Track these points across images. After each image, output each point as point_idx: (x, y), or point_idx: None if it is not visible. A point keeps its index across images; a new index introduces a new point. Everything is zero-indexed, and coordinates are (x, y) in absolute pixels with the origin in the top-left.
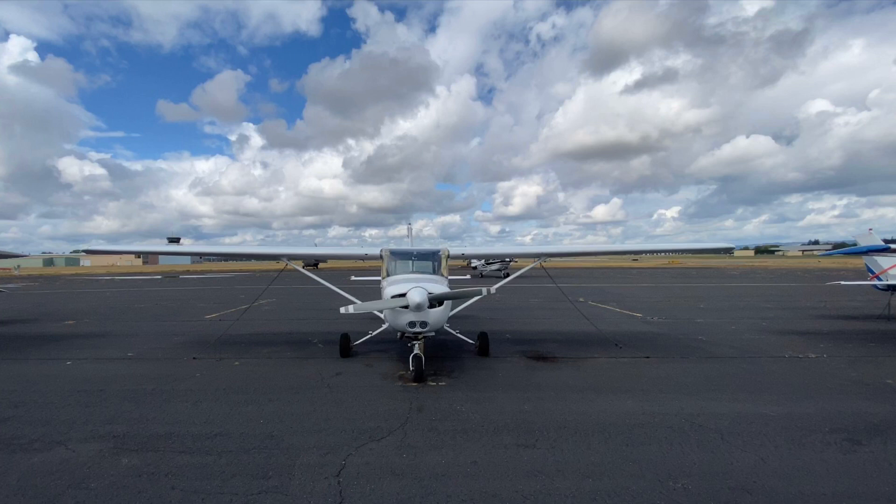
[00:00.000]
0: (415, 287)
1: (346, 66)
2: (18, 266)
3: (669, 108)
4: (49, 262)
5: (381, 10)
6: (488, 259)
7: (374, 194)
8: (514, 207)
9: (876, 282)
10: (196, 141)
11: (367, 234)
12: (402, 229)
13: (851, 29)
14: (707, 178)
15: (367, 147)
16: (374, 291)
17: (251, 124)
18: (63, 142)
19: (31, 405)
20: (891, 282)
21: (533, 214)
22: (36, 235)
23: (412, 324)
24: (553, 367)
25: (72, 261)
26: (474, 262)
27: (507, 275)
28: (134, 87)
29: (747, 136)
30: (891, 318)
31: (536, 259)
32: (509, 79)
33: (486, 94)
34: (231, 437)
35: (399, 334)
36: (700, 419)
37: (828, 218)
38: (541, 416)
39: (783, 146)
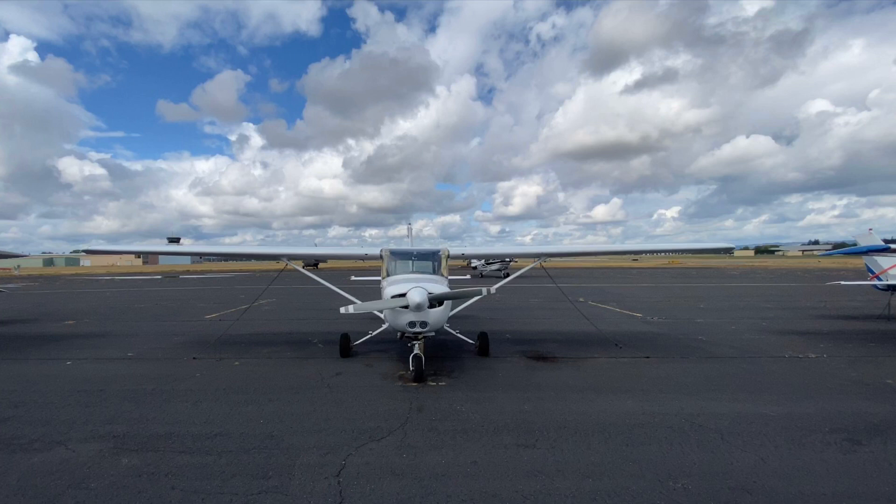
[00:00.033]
0: (415, 287)
1: (346, 66)
2: (18, 266)
3: (669, 108)
4: (49, 262)
5: (381, 10)
6: (488, 259)
7: (374, 194)
8: (514, 207)
9: (876, 282)
10: (196, 141)
11: (366, 234)
12: (402, 229)
13: (851, 29)
14: (707, 178)
15: (367, 147)
16: (374, 291)
17: (251, 124)
18: (63, 142)
19: (31, 405)
20: (891, 282)
21: (533, 214)
22: (36, 235)
23: (412, 324)
24: (553, 367)
25: (72, 261)
26: (474, 262)
27: (507, 275)
28: (134, 87)
29: (747, 136)
30: (891, 318)
31: (536, 259)
32: (509, 79)
33: (486, 94)
34: (231, 437)
35: (399, 334)
36: (700, 419)
37: (828, 218)
38: (541, 416)
39: (783, 146)
